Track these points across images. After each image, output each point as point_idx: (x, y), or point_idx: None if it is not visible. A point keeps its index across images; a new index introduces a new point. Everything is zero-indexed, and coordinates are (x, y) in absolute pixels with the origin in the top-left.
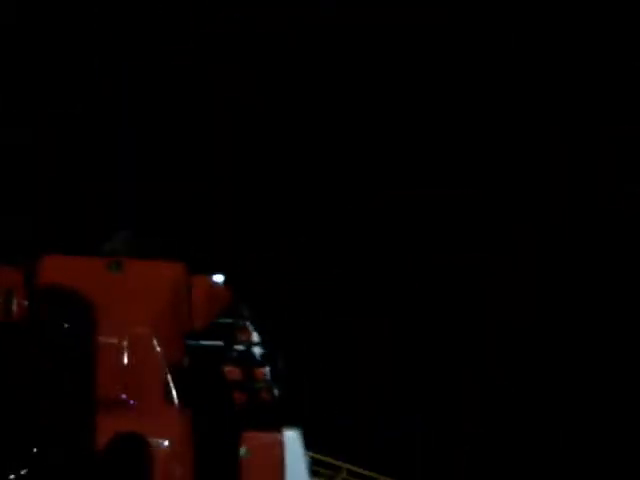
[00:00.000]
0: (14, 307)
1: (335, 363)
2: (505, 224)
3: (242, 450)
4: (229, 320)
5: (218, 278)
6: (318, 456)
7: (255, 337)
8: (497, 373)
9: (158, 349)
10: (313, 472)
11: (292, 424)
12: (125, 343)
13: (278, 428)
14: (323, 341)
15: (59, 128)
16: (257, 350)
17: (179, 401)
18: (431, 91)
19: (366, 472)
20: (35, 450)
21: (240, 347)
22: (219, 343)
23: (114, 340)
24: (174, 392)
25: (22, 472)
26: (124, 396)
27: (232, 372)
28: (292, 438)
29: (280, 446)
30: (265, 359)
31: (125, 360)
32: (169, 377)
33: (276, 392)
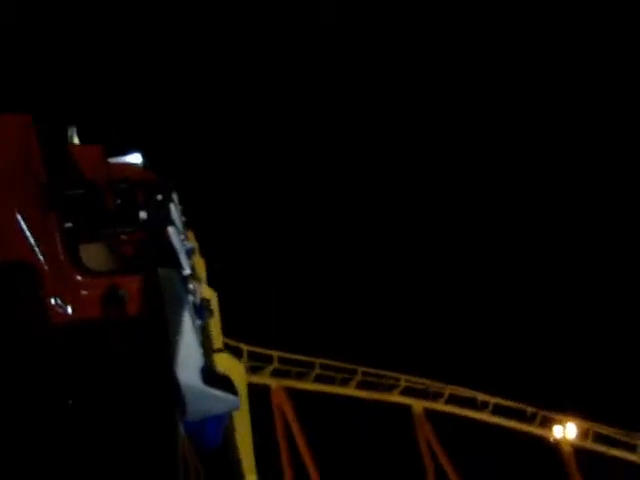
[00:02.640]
0: None
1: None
2: None
3: (121, 292)
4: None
5: (134, 157)
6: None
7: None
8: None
9: (10, 202)
10: (328, 378)
11: (167, 264)
12: None
13: (153, 268)
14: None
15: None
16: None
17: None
18: (430, 92)
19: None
20: None
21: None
22: (82, 192)
23: None
24: (31, 237)
25: None
26: None
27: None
28: (168, 277)
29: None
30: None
31: None
32: (25, 224)
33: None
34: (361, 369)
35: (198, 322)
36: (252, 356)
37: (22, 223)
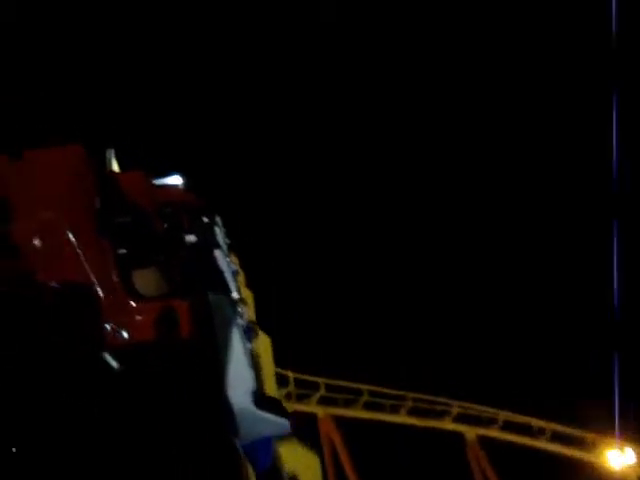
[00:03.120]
0: None
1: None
2: None
3: (174, 316)
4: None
5: (175, 179)
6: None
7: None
8: None
9: (68, 230)
10: (377, 405)
11: (216, 287)
12: (34, 227)
13: (203, 292)
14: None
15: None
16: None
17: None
18: (431, 91)
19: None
20: None
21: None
22: (134, 219)
23: (23, 226)
24: (86, 263)
25: None
26: (44, 276)
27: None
28: (218, 300)
29: (206, 308)
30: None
31: (38, 244)
32: (81, 251)
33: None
34: (411, 395)
35: (248, 345)
36: (299, 383)
37: (78, 250)
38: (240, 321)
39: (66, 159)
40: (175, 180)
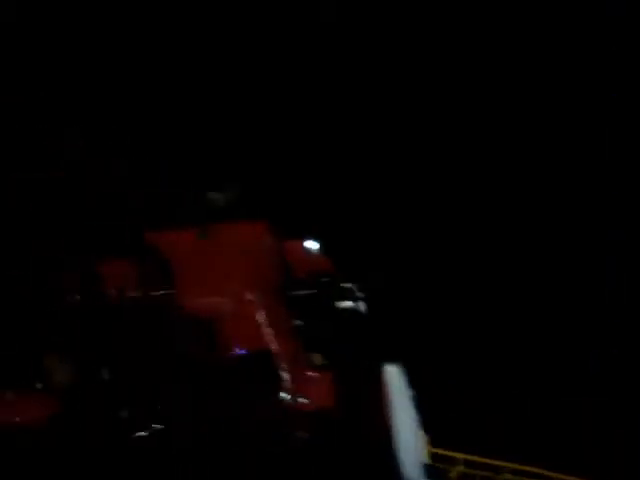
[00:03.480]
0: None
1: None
2: None
3: (344, 383)
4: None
5: (312, 244)
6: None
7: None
8: None
9: (256, 302)
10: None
11: (392, 360)
12: (225, 300)
13: (373, 362)
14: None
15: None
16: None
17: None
18: (432, 92)
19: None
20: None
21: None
22: (315, 292)
23: (215, 299)
24: (272, 335)
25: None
26: (231, 344)
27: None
28: (391, 371)
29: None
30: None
31: (227, 314)
32: (268, 325)
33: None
34: (557, 476)
35: (417, 415)
36: (435, 458)
37: (264, 321)
38: (409, 391)
39: (254, 235)
40: (312, 245)
